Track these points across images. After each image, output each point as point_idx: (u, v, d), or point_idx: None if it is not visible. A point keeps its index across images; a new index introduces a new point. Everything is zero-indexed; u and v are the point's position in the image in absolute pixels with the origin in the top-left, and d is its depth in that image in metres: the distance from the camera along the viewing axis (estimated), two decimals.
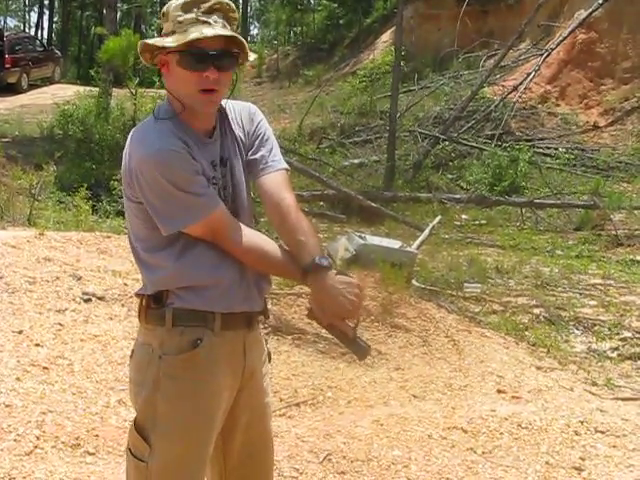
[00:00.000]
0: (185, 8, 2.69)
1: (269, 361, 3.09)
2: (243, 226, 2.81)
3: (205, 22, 2.67)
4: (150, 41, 2.73)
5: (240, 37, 2.72)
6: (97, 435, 4.99)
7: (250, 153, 2.96)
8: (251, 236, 2.81)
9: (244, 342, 2.88)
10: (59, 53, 37.47)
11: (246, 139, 2.96)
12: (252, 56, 2.84)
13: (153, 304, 2.80)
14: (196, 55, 2.67)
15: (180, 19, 2.69)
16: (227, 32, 2.68)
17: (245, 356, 2.88)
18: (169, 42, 2.67)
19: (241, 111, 2.99)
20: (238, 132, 2.95)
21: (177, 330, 2.75)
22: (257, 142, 2.98)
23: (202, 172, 2.75)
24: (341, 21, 41.32)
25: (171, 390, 2.75)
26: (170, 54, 2.71)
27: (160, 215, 2.71)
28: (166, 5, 2.77)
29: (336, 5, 41.27)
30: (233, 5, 2.78)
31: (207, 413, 2.78)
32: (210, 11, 2.70)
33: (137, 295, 2.90)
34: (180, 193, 2.67)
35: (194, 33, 2.64)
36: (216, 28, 2.67)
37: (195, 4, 2.69)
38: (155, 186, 2.68)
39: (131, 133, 2.79)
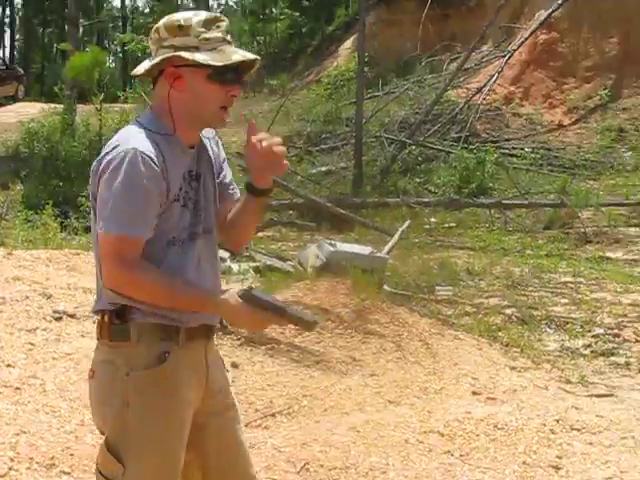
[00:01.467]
0: (206, 26, 2.75)
1: (223, 366, 3.12)
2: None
3: (229, 42, 2.78)
4: (187, 55, 2.72)
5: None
6: (72, 454, 4.94)
7: (222, 177, 3.03)
8: (150, 273, 2.74)
9: (205, 351, 2.91)
10: (22, 71, 37.27)
11: (215, 161, 3.02)
12: None
13: (116, 319, 2.78)
14: (232, 72, 2.76)
15: (207, 36, 2.74)
16: (258, 57, 2.82)
17: (207, 365, 2.92)
18: (210, 60, 2.71)
19: (208, 133, 3.02)
20: (211, 153, 3.00)
21: (143, 345, 2.75)
22: (224, 166, 3.06)
23: (166, 191, 2.74)
24: (304, 29, 41.40)
25: (141, 406, 2.74)
26: (189, 68, 2.74)
27: (101, 210, 2.70)
28: (179, 18, 2.78)
29: (298, 14, 41.34)
30: None
31: (178, 426, 2.79)
32: (227, 30, 2.79)
33: (96, 312, 2.87)
34: (125, 197, 2.65)
35: (235, 54, 2.74)
36: (244, 50, 2.81)
37: (214, 22, 2.77)
38: (113, 178, 2.66)
39: (116, 134, 2.81)
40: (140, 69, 2.86)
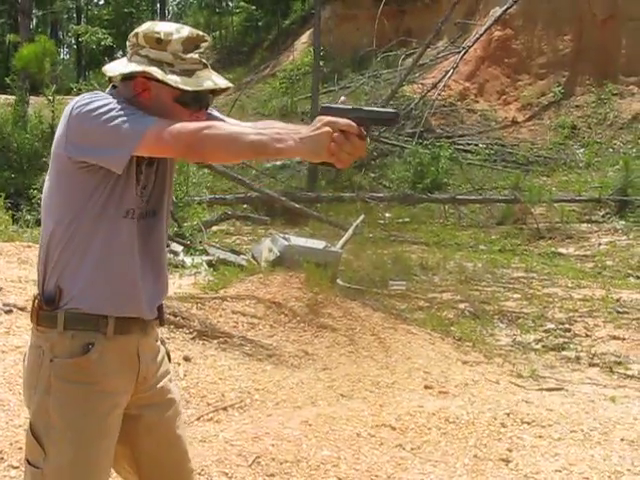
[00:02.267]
0: (186, 45, 2.70)
1: (169, 360, 3.07)
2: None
3: (205, 65, 2.73)
4: (158, 75, 2.67)
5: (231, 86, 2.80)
6: (21, 448, 4.88)
7: None
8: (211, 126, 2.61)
9: (137, 346, 2.86)
10: None
11: None
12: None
13: (45, 306, 2.75)
14: (199, 97, 2.73)
15: (183, 56, 2.69)
16: (230, 84, 2.77)
17: (139, 359, 2.87)
18: (181, 84, 2.66)
19: None
20: None
21: (68, 334, 2.72)
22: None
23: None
24: (260, 23, 41.36)
25: (62, 393, 2.72)
26: (158, 84, 2.69)
27: (107, 148, 2.59)
28: (159, 30, 2.72)
29: (254, 7, 41.26)
30: None
31: (99, 416, 2.76)
32: (207, 50, 2.75)
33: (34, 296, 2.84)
34: (120, 112, 2.58)
35: (208, 81, 2.70)
36: (212, 72, 2.74)
37: (194, 42, 2.72)
38: (95, 108, 2.60)
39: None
40: (112, 71, 2.80)
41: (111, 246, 2.73)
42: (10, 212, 12.92)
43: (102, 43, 38.48)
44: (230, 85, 2.76)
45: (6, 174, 17.43)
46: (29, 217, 13.64)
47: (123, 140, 2.56)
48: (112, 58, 57.42)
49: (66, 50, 69.57)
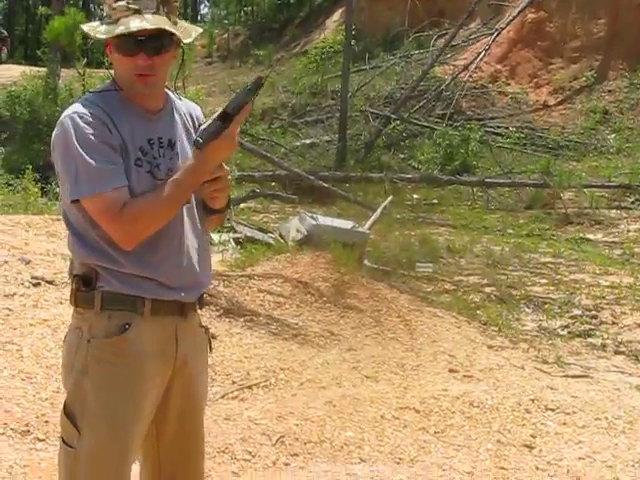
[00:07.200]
0: None
1: (210, 350, 3.06)
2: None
3: (136, 11, 2.65)
4: (85, 28, 2.72)
5: (167, 27, 2.66)
6: (47, 421, 4.93)
7: None
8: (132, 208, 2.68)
9: (176, 329, 2.83)
10: (5, 33, 36.90)
11: (194, 130, 2.93)
12: (193, 35, 2.80)
13: (83, 287, 2.75)
14: (125, 43, 2.66)
15: (114, 6, 2.66)
16: (151, 25, 2.64)
17: (177, 343, 2.84)
18: (100, 33, 2.67)
19: (189, 109, 2.99)
20: (185, 120, 2.93)
21: (105, 314, 2.72)
22: None
23: (122, 145, 2.70)
24: (291, 0, 41.19)
25: (99, 374, 2.72)
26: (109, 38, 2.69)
27: (66, 181, 2.67)
28: None
29: None
30: None
31: (135, 398, 2.75)
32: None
33: (70, 275, 2.84)
34: (84, 158, 2.62)
35: (121, 27, 2.63)
36: (146, 16, 2.65)
37: None
38: (65, 149, 2.66)
39: None
40: None
41: (151, 239, 2.73)
42: (39, 184, 12.95)
43: None
44: (147, 27, 2.63)
45: (36, 146, 17.47)
46: (58, 190, 13.68)
47: (87, 181, 2.66)
48: None
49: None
